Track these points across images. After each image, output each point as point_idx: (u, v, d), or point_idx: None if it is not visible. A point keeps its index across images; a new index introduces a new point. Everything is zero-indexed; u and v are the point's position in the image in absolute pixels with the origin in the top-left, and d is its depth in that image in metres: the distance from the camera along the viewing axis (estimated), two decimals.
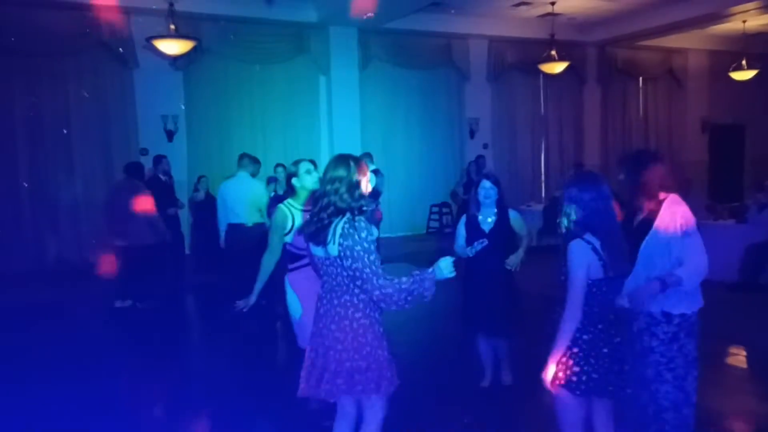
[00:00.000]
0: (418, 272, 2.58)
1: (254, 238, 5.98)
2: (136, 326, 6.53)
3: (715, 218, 7.52)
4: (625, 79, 14.06)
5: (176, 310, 7.46)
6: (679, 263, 2.83)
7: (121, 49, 9.35)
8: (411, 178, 11.93)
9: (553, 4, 10.81)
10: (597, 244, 2.53)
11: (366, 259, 2.51)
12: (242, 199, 6.39)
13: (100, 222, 7.70)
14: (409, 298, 2.54)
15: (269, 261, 3.69)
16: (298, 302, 3.60)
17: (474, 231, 4.07)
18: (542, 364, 2.63)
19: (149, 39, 8.20)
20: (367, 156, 9.16)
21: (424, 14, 10.86)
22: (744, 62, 12.12)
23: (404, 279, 2.55)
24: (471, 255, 3.99)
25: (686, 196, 3.03)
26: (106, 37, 9.26)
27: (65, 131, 9.25)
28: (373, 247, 2.57)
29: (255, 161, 6.80)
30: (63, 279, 8.47)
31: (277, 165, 7.83)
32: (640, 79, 14.23)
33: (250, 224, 6.39)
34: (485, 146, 12.40)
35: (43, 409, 4.22)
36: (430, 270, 2.59)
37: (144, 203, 6.69)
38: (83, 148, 9.38)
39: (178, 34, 8.15)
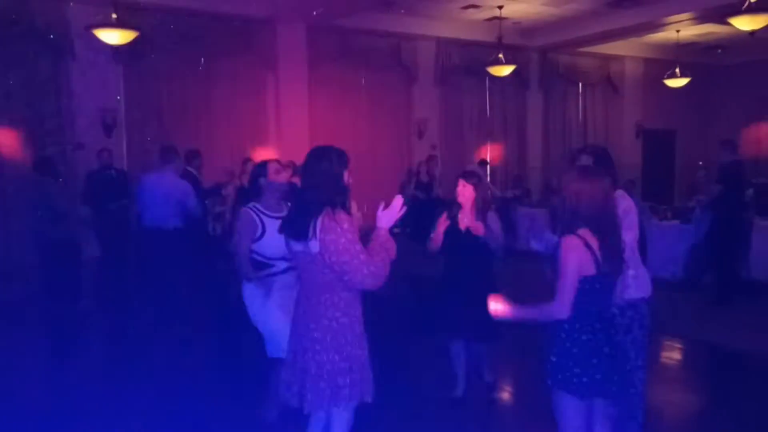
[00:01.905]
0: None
1: (174, 246, 5.46)
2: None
3: (660, 218, 7.78)
4: (565, 84, 14.43)
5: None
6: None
7: (52, 36, 8.80)
8: (360, 178, 11.77)
9: (500, 8, 10.95)
10: (590, 239, 2.48)
11: (352, 250, 2.42)
12: (163, 199, 5.56)
13: (27, 220, 7.17)
14: (385, 263, 2.54)
15: (247, 271, 3.45)
16: (267, 309, 3.42)
17: (454, 232, 4.00)
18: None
19: (88, 27, 7.76)
20: None
21: (374, 13, 10.80)
22: (677, 70, 12.65)
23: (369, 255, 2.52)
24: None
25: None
26: (40, 25, 8.71)
27: None
28: (357, 237, 2.48)
29: (178, 154, 6.01)
30: None
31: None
32: (580, 84, 14.65)
33: (170, 229, 5.62)
34: (433, 147, 12.44)
35: None
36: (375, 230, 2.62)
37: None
38: (14, 139, 8.75)
39: (119, 23, 7.75)
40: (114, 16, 7.68)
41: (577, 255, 2.45)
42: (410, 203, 9.63)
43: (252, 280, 3.43)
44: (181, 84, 10.06)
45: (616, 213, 2.56)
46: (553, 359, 2.53)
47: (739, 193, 6.58)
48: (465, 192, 4.00)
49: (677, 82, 12.89)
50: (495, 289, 4.05)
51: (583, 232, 2.48)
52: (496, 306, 2.64)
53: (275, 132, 10.87)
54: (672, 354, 5.39)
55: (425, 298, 7.46)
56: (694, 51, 14.09)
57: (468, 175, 4.11)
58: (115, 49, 8.72)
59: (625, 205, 2.94)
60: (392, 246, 2.60)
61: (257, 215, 3.45)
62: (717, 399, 4.37)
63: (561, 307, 2.46)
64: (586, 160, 2.93)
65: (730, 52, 14.42)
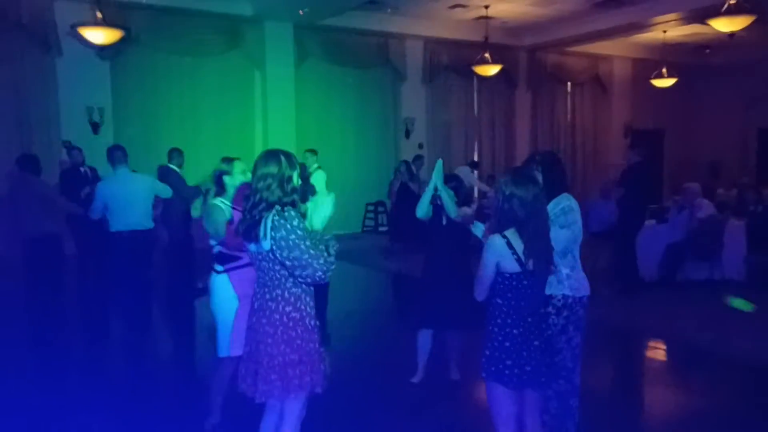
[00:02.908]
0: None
1: (144, 247, 5.45)
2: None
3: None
4: (554, 84, 14.52)
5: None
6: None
7: (39, 33, 8.86)
8: (346, 177, 11.88)
9: (486, 7, 11.03)
10: (514, 239, 2.60)
11: (303, 246, 2.53)
12: (132, 200, 5.42)
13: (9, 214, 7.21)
14: (330, 257, 2.65)
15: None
16: (233, 303, 3.50)
17: (436, 227, 4.20)
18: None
19: (74, 26, 7.82)
20: (311, 152, 9.09)
21: (361, 12, 10.87)
22: (664, 70, 12.75)
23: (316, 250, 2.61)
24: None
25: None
26: (26, 22, 8.77)
27: None
28: (305, 233, 2.59)
29: (126, 154, 5.69)
30: None
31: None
32: (569, 83, 14.74)
33: (143, 230, 5.53)
34: (420, 146, 12.53)
35: None
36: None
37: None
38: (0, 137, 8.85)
39: (105, 22, 7.80)
40: (99, 15, 7.72)
41: (495, 254, 2.60)
42: (395, 202, 9.76)
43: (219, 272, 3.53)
44: (168, 81, 10.13)
45: (545, 216, 2.67)
46: (487, 353, 2.68)
47: (643, 193, 6.96)
48: None
49: (664, 82, 12.99)
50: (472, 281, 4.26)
51: (510, 232, 2.59)
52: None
53: (262, 130, 10.95)
54: (651, 353, 5.51)
55: (403, 291, 7.64)
56: (681, 51, 14.19)
57: (448, 179, 4.25)
58: (102, 47, 8.77)
59: (565, 204, 3.04)
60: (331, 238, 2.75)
61: (225, 208, 3.56)
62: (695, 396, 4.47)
63: (477, 291, 2.72)
64: (534, 165, 3.04)
65: (717, 52, 14.53)
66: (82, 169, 7.57)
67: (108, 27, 7.85)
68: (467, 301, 4.10)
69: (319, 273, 2.57)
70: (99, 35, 7.87)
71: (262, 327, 2.67)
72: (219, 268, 3.53)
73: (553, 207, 2.98)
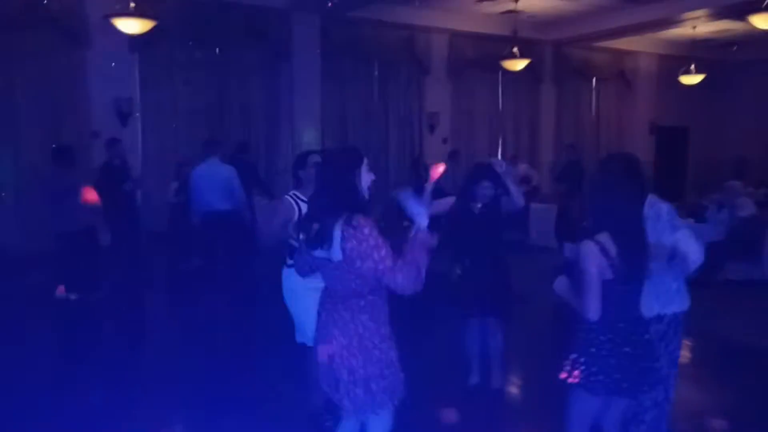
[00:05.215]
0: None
1: (229, 226, 5.85)
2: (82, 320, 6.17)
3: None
4: (579, 79, 14.34)
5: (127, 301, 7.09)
6: (672, 256, 2.88)
7: (68, 25, 8.82)
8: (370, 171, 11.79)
9: (516, 1, 10.90)
10: (608, 244, 2.49)
11: (376, 256, 2.37)
12: (215, 185, 6.32)
13: (44, 209, 7.21)
14: (420, 268, 2.42)
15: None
16: (300, 296, 3.46)
17: (467, 216, 4.15)
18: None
19: (106, 16, 7.78)
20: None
21: (388, 5, 10.76)
22: (693, 67, 12.56)
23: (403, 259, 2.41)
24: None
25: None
26: (57, 14, 8.73)
27: (10, 111, 8.67)
28: (381, 240, 2.41)
29: (218, 146, 6.80)
30: (5, 267, 7.94)
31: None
32: (594, 79, 14.56)
33: (223, 210, 6.28)
34: (444, 141, 12.42)
35: None
36: (413, 229, 2.48)
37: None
38: (31, 130, 8.82)
39: (137, 12, 7.77)
40: (132, 5, 7.70)
41: (595, 261, 2.48)
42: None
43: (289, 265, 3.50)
44: (195, 74, 10.06)
45: (640, 219, 2.57)
46: (573, 357, 2.59)
47: (577, 189, 7.81)
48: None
49: (692, 79, 12.79)
50: (507, 272, 4.21)
51: (602, 237, 2.49)
52: (561, 283, 2.69)
53: (288, 122, 10.87)
54: (695, 353, 5.42)
55: (435, 286, 7.58)
56: (709, 47, 13.97)
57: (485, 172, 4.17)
58: (131, 39, 8.73)
59: (666, 209, 2.94)
60: (431, 242, 2.50)
61: (295, 201, 3.50)
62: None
63: (589, 309, 2.52)
64: (615, 167, 2.87)
65: (746, 48, 14.30)
66: (116, 162, 7.58)
67: (140, 17, 7.83)
68: (502, 292, 4.13)
69: (397, 284, 2.38)
70: (132, 25, 7.87)
71: (335, 340, 2.51)
72: (289, 261, 3.50)
73: (648, 209, 2.88)
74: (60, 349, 5.60)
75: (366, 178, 2.59)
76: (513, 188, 4.02)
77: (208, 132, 9.45)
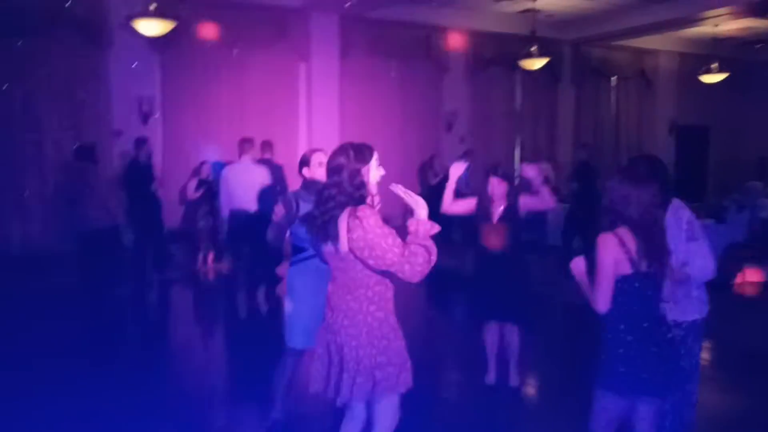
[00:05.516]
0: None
1: (259, 225, 5.94)
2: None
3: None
4: (598, 78, 14.23)
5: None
6: (683, 266, 2.87)
7: (91, 25, 8.96)
8: (388, 170, 11.76)
9: (534, 0, 10.86)
10: (627, 238, 2.50)
11: (384, 244, 2.39)
12: (247, 185, 6.44)
13: (67, 207, 7.33)
14: (428, 252, 2.44)
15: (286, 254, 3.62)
16: (300, 297, 3.47)
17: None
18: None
19: (128, 18, 7.89)
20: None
21: (407, 5, 10.76)
22: (715, 65, 12.40)
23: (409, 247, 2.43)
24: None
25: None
26: (79, 15, 8.86)
27: (35, 111, 8.83)
28: (387, 229, 2.44)
29: (250, 145, 6.86)
30: (29, 266, 8.08)
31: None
32: (613, 78, 14.44)
33: (252, 211, 6.37)
34: (462, 140, 12.41)
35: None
36: (413, 220, 2.50)
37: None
38: (54, 129, 8.97)
39: (158, 13, 7.86)
40: (152, 6, 7.78)
41: (611, 252, 2.49)
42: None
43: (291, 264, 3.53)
44: (215, 73, 10.17)
45: (660, 216, 2.58)
46: (601, 358, 2.60)
47: (591, 188, 7.88)
48: (499, 188, 4.09)
49: (713, 78, 12.64)
50: (526, 273, 4.22)
51: (622, 230, 2.51)
52: (578, 264, 2.71)
53: (306, 122, 10.94)
54: (713, 357, 5.37)
55: (454, 288, 7.59)
56: (730, 46, 13.79)
57: (493, 170, 4.23)
58: (152, 38, 8.83)
59: (686, 217, 2.92)
60: (434, 230, 2.51)
61: (294, 199, 3.52)
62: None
63: (597, 301, 2.55)
64: (642, 166, 2.88)
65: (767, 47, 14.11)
66: (142, 161, 7.72)
67: (161, 18, 7.92)
68: (522, 296, 4.15)
69: (416, 269, 2.39)
70: (153, 26, 7.95)
71: (344, 329, 2.54)
72: (293, 259, 3.53)
73: (671, 216, 2.86)
74: (83, 349, 5.66)
75: (376, 173, 2.62)
76: (544, 190, 4.05)
77: (227, 131, 9.55)
